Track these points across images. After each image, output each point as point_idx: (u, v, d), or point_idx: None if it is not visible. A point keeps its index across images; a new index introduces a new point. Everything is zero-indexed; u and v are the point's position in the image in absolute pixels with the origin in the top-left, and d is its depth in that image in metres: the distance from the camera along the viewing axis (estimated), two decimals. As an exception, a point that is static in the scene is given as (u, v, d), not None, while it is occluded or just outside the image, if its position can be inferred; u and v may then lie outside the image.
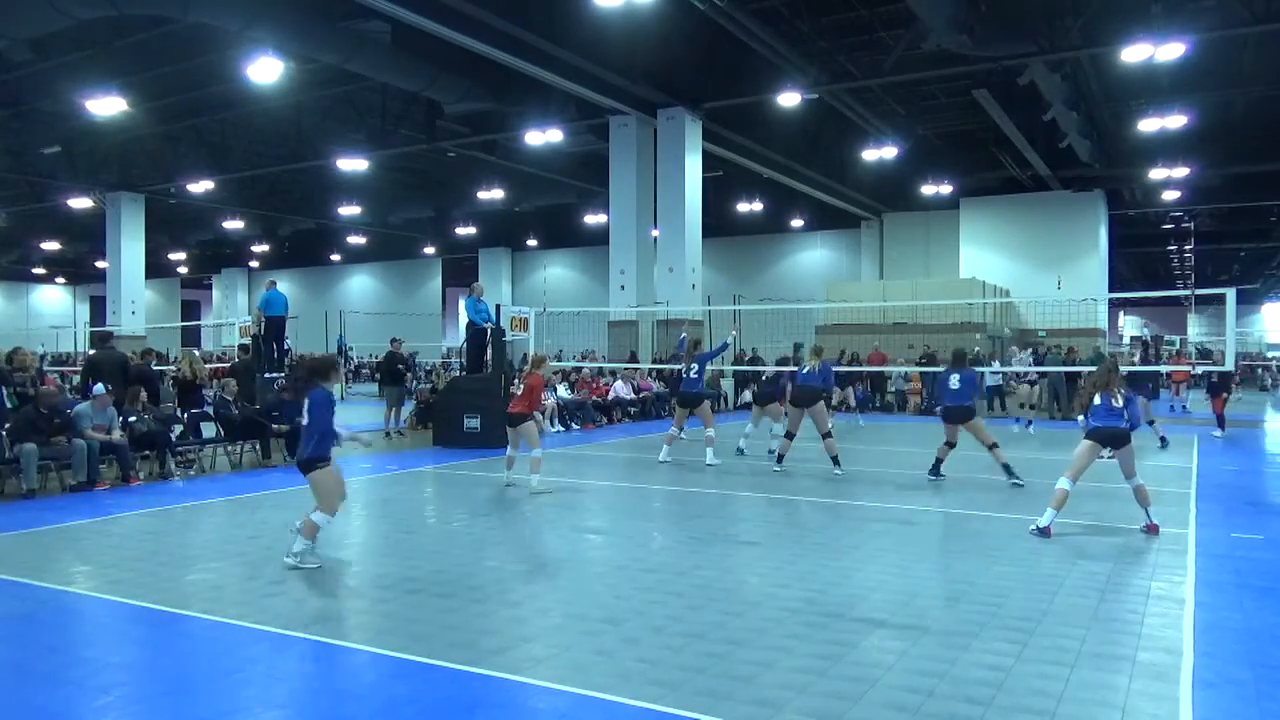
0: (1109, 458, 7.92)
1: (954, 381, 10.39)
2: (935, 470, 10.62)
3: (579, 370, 20.06)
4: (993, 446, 10.28)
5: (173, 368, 15.89)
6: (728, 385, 24.08)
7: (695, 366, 12.57)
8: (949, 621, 5.20)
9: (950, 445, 10.51)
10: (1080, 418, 8.21)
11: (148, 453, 11.12)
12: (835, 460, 11.24)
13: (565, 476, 11.31)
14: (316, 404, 6.44)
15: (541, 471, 9.92)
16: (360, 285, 48.87)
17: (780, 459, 11.68)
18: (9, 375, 11.42)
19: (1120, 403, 7.65)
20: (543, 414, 10.50)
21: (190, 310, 55.35)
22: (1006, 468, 10.20)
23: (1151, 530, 7.56)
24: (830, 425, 11.45)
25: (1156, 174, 25.55)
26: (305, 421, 6.47)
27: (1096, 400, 7.70)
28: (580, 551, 7.24)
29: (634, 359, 20.90)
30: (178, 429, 12.20)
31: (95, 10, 15.02)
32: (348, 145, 24.48)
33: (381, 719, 4.02)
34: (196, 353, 28.80)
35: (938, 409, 11.37)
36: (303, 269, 49.33)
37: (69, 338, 40.76)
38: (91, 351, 15.40)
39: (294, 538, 6.46)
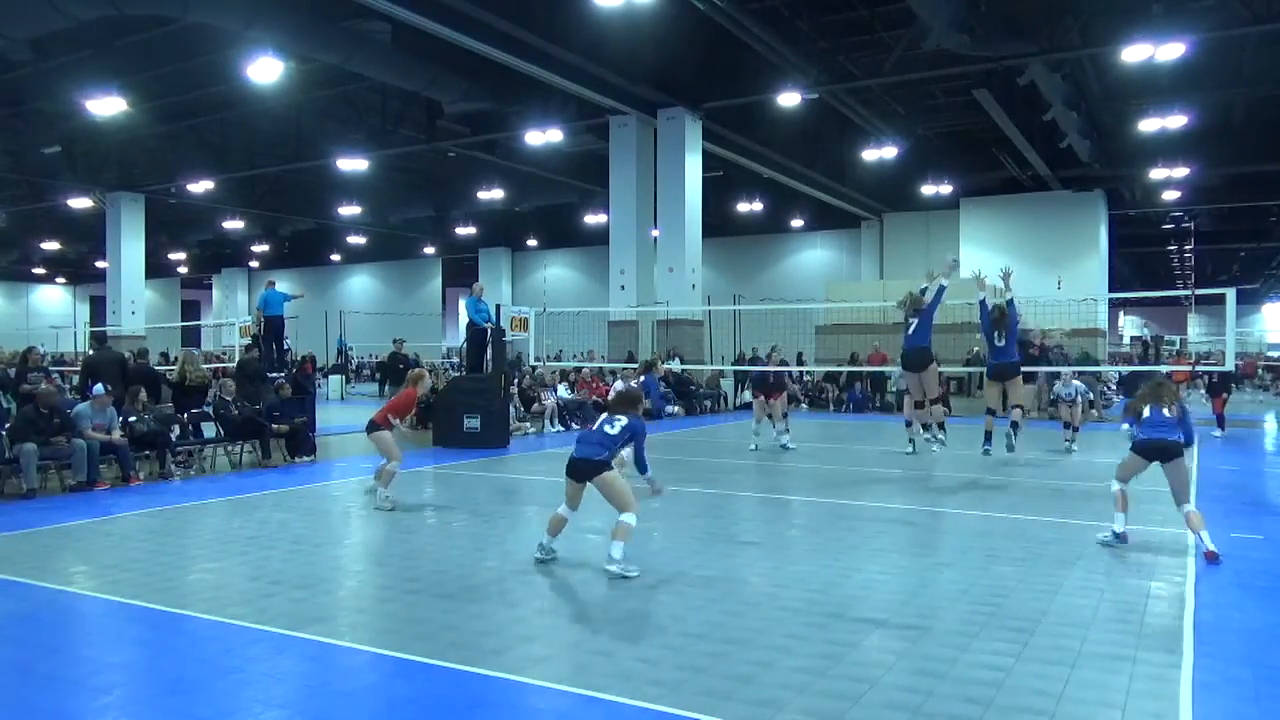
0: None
1: (999, 338, 10.78)
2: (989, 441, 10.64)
3: (579, 370, 20.06)
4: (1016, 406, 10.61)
5: (174, 368, 15.92)
6: (727, 385, 24.10)
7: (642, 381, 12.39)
8: (949, 621, 5.20)
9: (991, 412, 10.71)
10: (1125, 425, 7.72)
11: (148, 453, 11.12)
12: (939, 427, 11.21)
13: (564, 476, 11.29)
14: (638, 433, 6.72)
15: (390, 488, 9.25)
16: (360, 285, 48.84)
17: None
18: (10, 378, 11.46)
19: (1174, 414, 7.08)
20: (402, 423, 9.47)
21: (190, 310, 55.30)
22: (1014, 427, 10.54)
23: (1210, 558, 6.59)
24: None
25: (1156, 174, 25.52)
26: (614, 433, 6.61)
27: (1147, 412, 7.10)
28: (581, 552, 7.23)
29: (632, 359, 20.90)
30: (178, 429, 12.23)
31: (95, 10, 15.01)
32: (348, 145, 24.47)
33: (381, 719, 4.03)
34: (196, 352, 28.79)
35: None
36: (303, 269, 49.29)
37: (69, 338, 40.74)
38: (90, 352, 15.43)
39: (613, 545, 6.28)
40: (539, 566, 6.55)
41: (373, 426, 9.25)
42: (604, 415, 6.84)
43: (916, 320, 10.70)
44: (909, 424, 12.12)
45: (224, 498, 9.64)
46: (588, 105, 20.45)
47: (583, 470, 6.53)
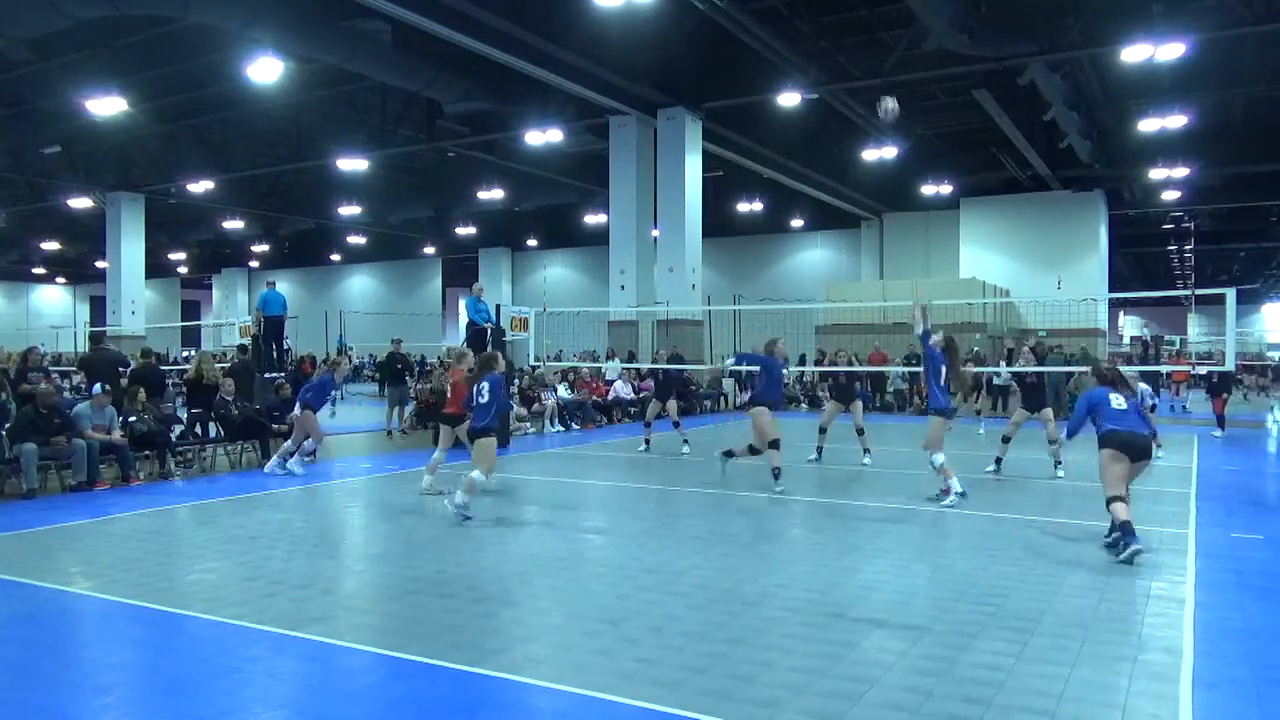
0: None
1: (1116, 400, 7.09)
2: (1128, 536, 6.63)
3: (576, 370, 20.06)
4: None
5: (188, 367, 15.96)
6: (728, 385, 24.11)
7: (484, 388, 8.53)
8: (949, 621, 5.20)
9: (1124, 500, 6.75)
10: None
11: (148, 453, 11.11)
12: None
13: (565, 476, 11.31)
14: (496, 385, 8.40)
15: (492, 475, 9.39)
16: (360, 285, 48.83)
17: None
18: (9, 377, 11.45)
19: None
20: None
21: (190, 310, 55.30)
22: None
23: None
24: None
25: (1156, 174, 25.51)
26: (484, 400, 8.33)
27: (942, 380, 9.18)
28: (580, 551, 7.24)
29: (632, 359, 20.91)
30: (178, 429, 12.23)
31: (95, 10, 15.01)
32: (348, 145, 24.46)
33: (381, 719, 4.03)
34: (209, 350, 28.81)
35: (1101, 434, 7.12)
36: (303, 269, 49.29)
37: (69, 338, 40.73)
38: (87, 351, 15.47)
39: (461, 505, 8.04)
40: (538, 566, 6.56)
41: (449, 419, 9.75)
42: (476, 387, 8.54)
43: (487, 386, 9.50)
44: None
45: (224, 498, 9.64)
46: (588, 105, 20.44)
47: (471, 435, 8.49)
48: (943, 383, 9.26)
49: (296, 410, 11.39)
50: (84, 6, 14.82)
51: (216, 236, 40.84)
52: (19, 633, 5.15)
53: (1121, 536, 6.62)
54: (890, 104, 9.77)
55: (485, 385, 8.40)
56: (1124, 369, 8.72)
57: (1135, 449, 6.87)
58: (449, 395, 9.82)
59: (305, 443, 11.36)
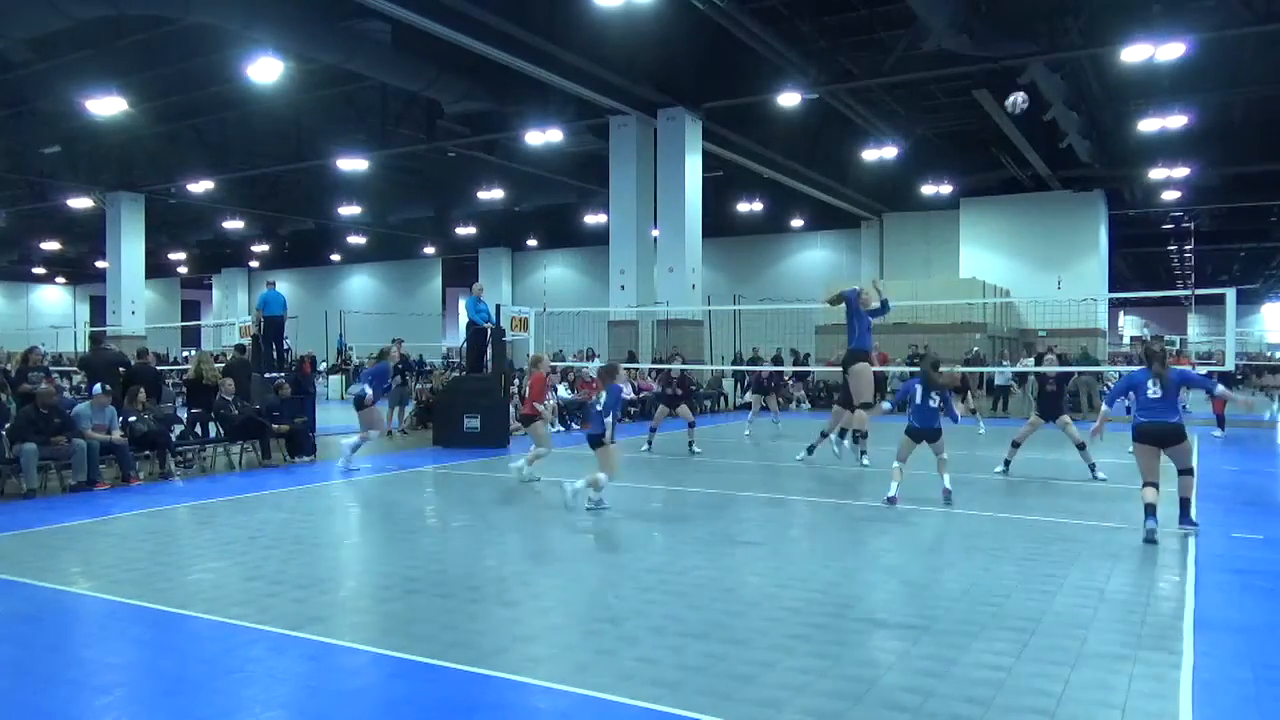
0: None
1: (1153, 388, 7.49)
2: (1148, 518, 7.24)
3: (573, 370, 20.05)
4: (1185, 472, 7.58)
5: (188, 367, 15.98)
6: (728, 385, 24.12)
7: (603, 397, 8.71)
8: (949, 621, 5.20)
9: (1154, 486, 7.33)
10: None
11: (148, 453, 11.12)
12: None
13: (565, 476, 11.29)
14: (612, 394, 8.51)
15: (535, 468, 10.47)
16: (360, 285, 48.83)
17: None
18: (9, 377, 11.47)
19: (936, 402, 8.98)
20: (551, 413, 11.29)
21: (190, 310, 55.31)
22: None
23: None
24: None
25: (1156, 174, 25.52)
26: (600, 408, 8.53)
27: (918, 399, 8.98)
28: (580, 551, 7.24)
29: (633, 359, 20.90)
30: (178, 429, 12.23)
31: (95, 10, 15.02)
32: (348, 145, 24.46)
33: (381, 719, 4.03)
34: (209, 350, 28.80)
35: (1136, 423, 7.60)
36: (303, 269, 49.29)
37: (69, 338, 40.74)
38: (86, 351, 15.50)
39: (575, 490, 8.43)
40: (538, 565, 6.56)
41: (527, 419, 10.69)
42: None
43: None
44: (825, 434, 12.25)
45: (224, 498, 9.64)
46: (588, 105, 20.44)
47: (591, 442, 8.57)
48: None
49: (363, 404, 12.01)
50: (84, 6, 14.83)
51: (216, 236, 40.84)
52: (19, 633, 5.15)
53: (1145, 518, 7.26)
54: (1020, 98, 10.12)
55: (604, 394, 8.63)
56: (1124, 368, 8.72)
57: (1162, 437, 7.47)
58: (527, 396, 10.75)
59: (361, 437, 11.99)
